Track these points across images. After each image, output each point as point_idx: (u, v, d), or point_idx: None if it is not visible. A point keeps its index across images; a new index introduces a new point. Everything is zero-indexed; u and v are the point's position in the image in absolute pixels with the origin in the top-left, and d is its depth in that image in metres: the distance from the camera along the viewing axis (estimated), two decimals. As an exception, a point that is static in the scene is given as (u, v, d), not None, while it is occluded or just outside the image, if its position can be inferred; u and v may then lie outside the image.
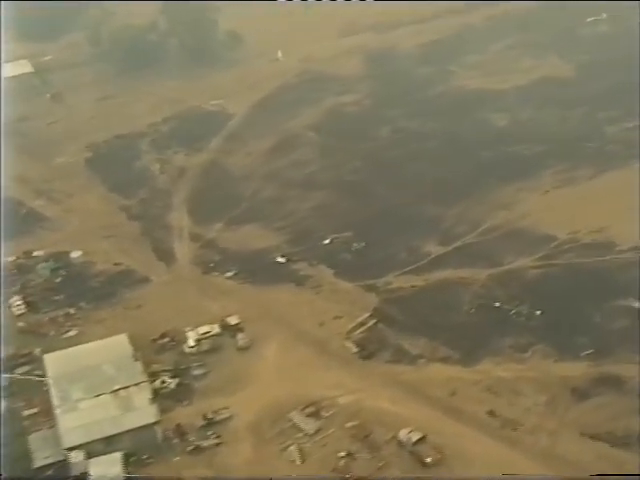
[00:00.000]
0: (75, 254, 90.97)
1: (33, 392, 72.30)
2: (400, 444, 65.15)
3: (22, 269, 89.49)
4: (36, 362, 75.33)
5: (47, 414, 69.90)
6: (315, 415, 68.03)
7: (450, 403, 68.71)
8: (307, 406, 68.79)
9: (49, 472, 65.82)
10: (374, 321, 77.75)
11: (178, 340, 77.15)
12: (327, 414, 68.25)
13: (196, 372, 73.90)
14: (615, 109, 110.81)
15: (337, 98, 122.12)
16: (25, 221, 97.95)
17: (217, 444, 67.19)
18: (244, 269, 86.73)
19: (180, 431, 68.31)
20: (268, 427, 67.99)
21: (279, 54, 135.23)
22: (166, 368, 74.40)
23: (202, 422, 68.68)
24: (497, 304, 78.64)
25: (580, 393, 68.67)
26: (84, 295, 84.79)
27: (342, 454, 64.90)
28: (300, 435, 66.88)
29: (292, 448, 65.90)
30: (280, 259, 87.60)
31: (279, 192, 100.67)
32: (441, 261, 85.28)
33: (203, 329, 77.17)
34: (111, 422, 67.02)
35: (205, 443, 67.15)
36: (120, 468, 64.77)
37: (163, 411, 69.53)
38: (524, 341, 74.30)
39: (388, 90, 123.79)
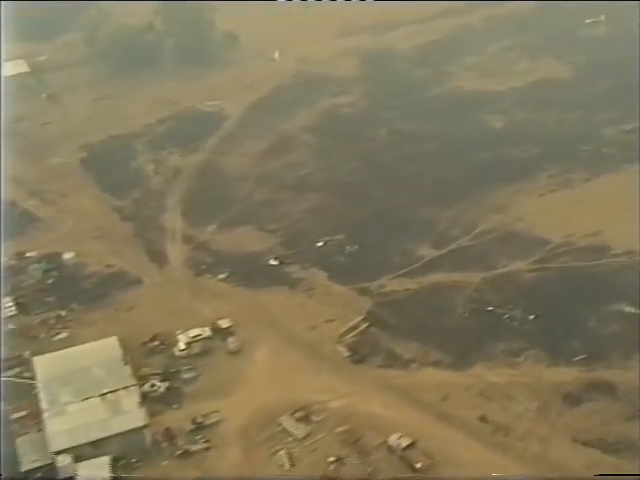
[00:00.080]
0: (67, 255, 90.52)
1: (22, 395, 71.67)
2: (390, 449, 64.54)
3: (14, 270, 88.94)
4: (26, 364, 74.80)
5: (36, 417, 69.31)
6: (305, 420, 67.43)
7: (442, 408, 68.07)
8: (297, 410, 68.18)
9: (37, 475, 65.21)
10: (366, 325, 77.21)
11: (169, 343, 76.60)
12: (317, 419, 67.67)
13: (186, 375, 73.29)
14: (612, 111, 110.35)
15: (333, 99, 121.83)
16: (18, 222, 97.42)
17: (206, 448, 66.53)
18: (237, 271, 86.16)
19: (169, 435, 67.74)
20: (258, 431, 67.37)
21: (276, 55, 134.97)
22: (156, 371, 73.79)
23: (191, 426, 68.03)
24: (490, 308, 78.04)
25: (572, 399, 68.06)
26: (76, 297, 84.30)
27: (331, 459, 64.30)
28: (290, 440, 66.27)
29: (281, 453, 65.32)
30: (273, 262, 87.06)
31: (273, 194, 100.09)
32: (435, 264, 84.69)
33: (194, 332, 76.60)
34: (99, 426, 66.51)
35: (194, 447, 66.53)
36: (108, 472, 64.21)
37: (152, 415, 69.04)
38: (517, 346, 73.68)
39: (384, 91, 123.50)
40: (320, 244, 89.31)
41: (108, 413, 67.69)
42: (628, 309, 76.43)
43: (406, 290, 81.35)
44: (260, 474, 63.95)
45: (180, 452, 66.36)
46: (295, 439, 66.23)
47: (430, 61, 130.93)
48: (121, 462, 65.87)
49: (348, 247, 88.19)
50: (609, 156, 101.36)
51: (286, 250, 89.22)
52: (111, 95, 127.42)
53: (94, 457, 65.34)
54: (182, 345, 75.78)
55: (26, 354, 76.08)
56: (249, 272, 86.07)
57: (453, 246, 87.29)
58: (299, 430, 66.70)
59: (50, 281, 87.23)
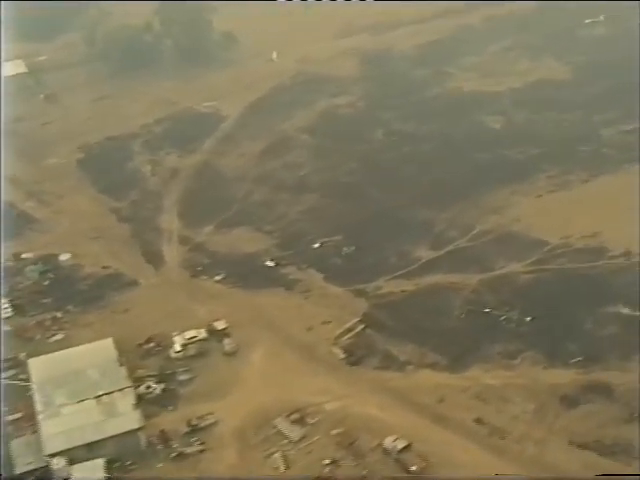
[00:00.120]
0: (64, 257, 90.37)
1: (17, 397, 71.52)
2: (385, 452, 64.36)
3: (10, 272, 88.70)
4: (21, 366, 74.60)
5: (31, 419, 69.17)
6: (300, 422, 67.23)
7: (437, 410, 67.86)
8: (292, 412, 68.01)
9: (31, 478, 65.13)
10: (363, 326, 76.93)
11: (164, 345, 76.46)
12: (313, 421, 67.48)
13: (182, 377, 73.16)
14: (611, 111, 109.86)
15: (332, 100, 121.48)
16: (15, 223, 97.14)
17: (201, 450, 66.43)
18: (233, 273, 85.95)
19: (164, 437, 67.57)
20: (253, 433, 67.22)
21: (274, 55, 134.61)
22: (152, 373, 73.70)
23: (186, 428, 67.84)
24: (487, 310, 77.72)
25: (569, 401, 67.80)
26: (72, 298, 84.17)
27: (327, 461, 64.10)
28: (285, 442, 66.10)
29: (276, 455, 65.15)
30: (269, 263, 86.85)
31: (271, 194, 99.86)
32: (432, 266, 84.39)
33: (190, 334, 76.46)
34: (94, 428, 66.34)
35: (189, 449, 66.41)
36: (103, 474, 64.08)
37: (148, 417, 68.89)
38: (513, 347, 73.41)
39: (384, 92, 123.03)
40: (317, 245, 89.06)
41: (103, 415, 67.51)
42: (625, 311, 76.09)
43: (403, 292, 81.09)
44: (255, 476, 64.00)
45: (175, 454, 66.21)
46: (290, 441, 66.04)
47: (429, 61, 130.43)
48: (116, 464, 65.76)
49: (345, 248, 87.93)
50: (608, 157, 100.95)
51: (283, 251, 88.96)
52: (109, 95, 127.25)
53: (89, 460, 65.18)
54: (178, 347, 75.63)
55: (22, 356, 75.98)
56: (245, 273, 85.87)
57: (450, 247, 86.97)
58: (294, 432, 66.47)
59: (46, 282, 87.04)
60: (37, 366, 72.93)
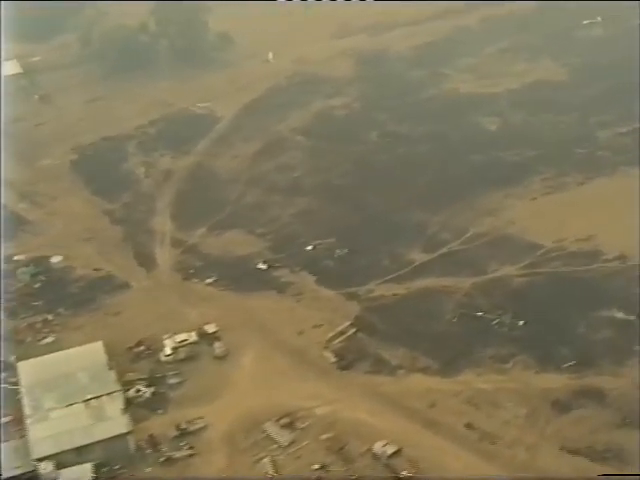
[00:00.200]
0: (55, 259, 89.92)
1: (7, 400, 71.01)
2: (375, 457, 63.86)
3: (2, 274, 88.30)
4: (11, 369, 74.14)
5: (19, 423, 68.63)
6: (290, 426, 66.69)
7: (428, 415, 67.28)
8: (282, 417, 67.44)
9: (20, 482, 65.18)
10: (354, 330, 76.43)
11: (155, 348, 75.88)
12: (302, 425, 66.94)
13: (172, 381, 72.60)
14: (608, 113, 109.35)
15: (327, 101, 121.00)
16: (7, 225, 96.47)
17: (190, 455, 65.88)
18: (225, 275, 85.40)
19: (153, 441, 67.09)
20: (242, 438, 66.63)
21: (270, 56, 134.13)
22: (142, 376, 73.14)
23: (176, 432, 67.39)
24: (480, 313, 77.16)
25: (561, 406, 67.20)
26: (63, 301, 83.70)
27: (316, 466, 63.62)
28: (274, 447, 65.59)
29: (266, 460, 64.65)
30: (261, 265, 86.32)
31: (264, 196, 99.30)
32: (425, 269, 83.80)
33: (180, 337, 75.89)
34: (82, 432, 65.80)
35: (178, 454, 65.84)
36: (90, 479, 63.79)
37: (137, 421, 68.46)
38: (505, 352, 72.78)
39: (379, 93, 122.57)
40: (309, 248, 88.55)
41: (91, 419, 66.98)
42: (619, 315, 75.57)
43: (395, 295, 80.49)
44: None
45: (164, 459, 65.69)
46: (280, 446, 65.51)
47: (426, 62, 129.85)
48: (104, 469, 65.20)
49: (338, 251, 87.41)
50: (604, 159, 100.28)
51: (275, 254, 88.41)
52: (104, 96, 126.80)
53: (77, 464, 64.63)
54: (168, 350, 75.04)
55: (11, 359, 75.65)
56: (237, 276, 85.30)
57: (443, 250, 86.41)
58: (283, 437, 65.98)
59: (37, 285, 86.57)
60: (26, 369, 72.37)
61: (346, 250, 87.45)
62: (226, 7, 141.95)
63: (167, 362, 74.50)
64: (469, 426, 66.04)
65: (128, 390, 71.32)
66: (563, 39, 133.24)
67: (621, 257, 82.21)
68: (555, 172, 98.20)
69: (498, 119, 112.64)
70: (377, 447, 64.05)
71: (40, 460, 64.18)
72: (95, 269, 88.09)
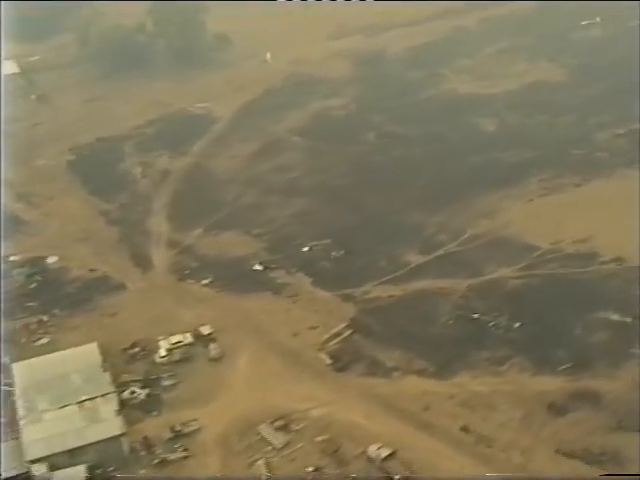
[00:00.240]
0: (51, 259, 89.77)
1: (2, 402, 70.78)
2: (369, 459, 63.62)
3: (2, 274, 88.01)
4: (5, 371, 73.84)
5: (14, 424, 68.38)
6: (284, 429, 66.40)
7: (423, 418, 66.92)
8: (277, 419, 67.17)
9: (14, 485, 64.93)
10: (350, 332, 76.19)
11: (150, 349, 75.72)
12: (297, 427, 66.64)
13: (166, 383, 72.36)
14: (606, 114, 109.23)
15: (324, 102, 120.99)
16: (4, 225, 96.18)
17: (184, 457, 65.60)
18: (220, 277, 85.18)
19: (147, 443, 66.82)
20: (237, 440, 66.33)
21: (268, 56, 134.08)
22: (136, 378, 72.92)
23: (170, 434, 67.08)
24: (476, 315, 76.91)
25: (556, 408, 66.84)
26: (58, 302, 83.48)
27: (310, 469, 63.35)
28: (268, 449, 65.33)
29: (260, 462, 64.41)
30: (258, 267, 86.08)
31: (261, 197, 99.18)
32: (421, 270, 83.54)
33: (175, 338, 75.76)
34: (76, 434, 65.53)
35: (172, 456, 65.58)
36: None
37: (132, 422, 68.20)
38: (501, 354, 72.43)
39: (376, 94, 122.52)
40: (306, 249, 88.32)
41: (85, 421, 66.73)
42: (615, 317, 75.30)
43: (391, 297, 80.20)
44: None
45: (158, 461, 65.42)
46: (274, 448, 65.28)
47: (423, 63, 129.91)
48: (98, 471, 64.92)
49: (334, 252, 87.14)
50: (602, 160, 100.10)
51: (271, 255, 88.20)
52: (102, 96, 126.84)
53: (70, 466, 64.39)
54: (163, 352, 74.88)
55: (6, 360, 75.38)
56: (233, 277, 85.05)
57: (440, 252, 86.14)
58: (278, 439, 65.70)
59: (33, 285, 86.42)
60: (21, 370, 72.16)
61: (342, 251, 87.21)
62: (224, 7, 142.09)
63: (162, 364, 74.29)
64: (464, 429, 65.73)
65: (123, 392, 71.12)
66: (562, 40, 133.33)
67: (618, 259, 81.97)
68: (552, 173, 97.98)
69: (496, 120, 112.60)
70: (371, 450, 63.76)
71: (33, 462, 63.99)
72: (91, 270, 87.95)
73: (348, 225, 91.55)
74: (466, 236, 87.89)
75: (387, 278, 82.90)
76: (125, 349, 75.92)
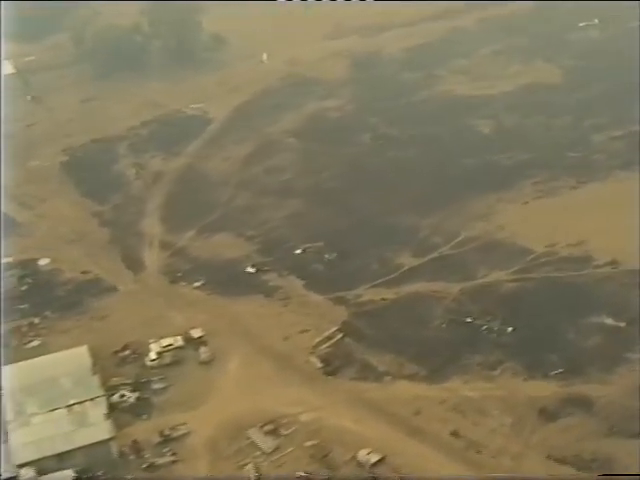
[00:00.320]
0: (43, 261, 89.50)
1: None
2: (359, 465, 63.24)
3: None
4: (-5, 373, 73.99)
5: (2, 428, 68.24)
6: (274, 433, 66.12)
7: (414, 423, 66.57)
8: (267, 423, 66.87)
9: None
10: (341, 335, 75.73)
11: (140, 352, 75.48)
12: (286, 432, 66.34)
13: (156, 386, 72.14)
14: (603, 116, 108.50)
15: (320, 103, 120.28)
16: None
17: (173, 461, 65.30)
18: (212, 279, 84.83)
19: (136, 447, 66.56)
20: (226, 444, 66.08)
21: (264, 57, 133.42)
22: (126, 381, 72.69)
23: (159, 438, 66.82)
24: (469, 319, 76.45)
25: (548, 414, 66.47)
26: (50, 304, 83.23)
27: (299, 474, 63.00)
28: (258, 454, 64.97)
29: (249, 467, 64.09)
30: (250, 269, 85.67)
31: (254, 199, 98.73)
32: (414, 273, 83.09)
33: (166, 342, 75.41)
34: (64, 438, 65.30)
35: (161, 460, 65.31)
36: (72, 485, 63.49)
37: (121, 426, 67.98)
38: (494, 358, 72.07)
39: (372, 95, 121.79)
40: (299, 251, 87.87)
41: (74, 425, 66.50)
42: (609, 321, 74.84)
43: (383, 300, 79.79)
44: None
45: (146, 465, 65.15)
46: (263, 453, 64.95)
47: (420, 64, 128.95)
48: (86, 475, 64.63)
49: (327, 255, 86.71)
50: (598, 163, 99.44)
51: (264, 257, 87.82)
52: (97, 97, 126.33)
53: (58, 470, 64.16)
54: (153, 355, 74.56)
55: (-4, 362, 75.29)
56: (225, 280, 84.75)
57: (434, 255, 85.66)
58: (267, 444, 65.34)
59: (24, 288, 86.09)
60: (10, 374, 71.68)
61: (335, 254, 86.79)
62: (220, 7, 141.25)
63: (152, 367, 73.97)
64: (454, 434, 65.32)
65: (112, 395, 70.88)
66: (559, 41, 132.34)
67: (613, 262, 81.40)
68: (548, 176, 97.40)
69: (491, 122, 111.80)
70: (361, 455, 63.47)
71: (21, 466, 63.66)
72: (83, 272, 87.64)
73: (341, 227, 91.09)
74: (460, 239, 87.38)
75: (380, 281, 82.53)
76: (116, 352, 75.63)
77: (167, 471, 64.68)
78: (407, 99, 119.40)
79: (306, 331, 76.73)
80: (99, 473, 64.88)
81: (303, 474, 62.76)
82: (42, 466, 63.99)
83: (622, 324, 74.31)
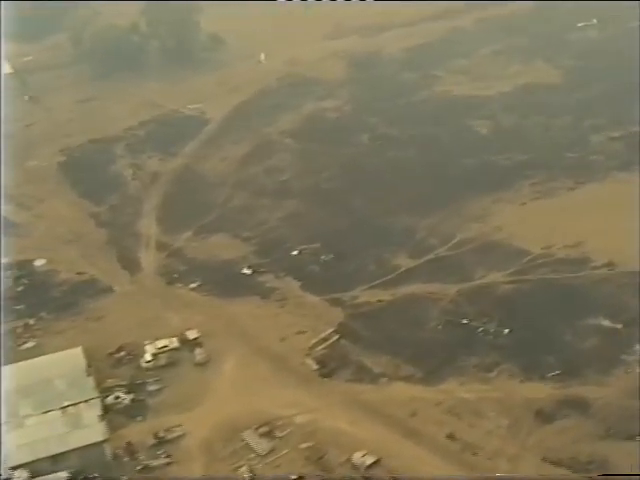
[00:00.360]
0: (39, 262, 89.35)
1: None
2: (354, 467, 62.94)
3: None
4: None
5: (-4, 429, 68.36)
6: (269, 435, 65.83)
7: (409, 424, 66.25)
8: (262, 425, 66.59)
9: (-7, 491, 64.42)
10: (337, 337, 75.42)
11: (136, 354, 75.23)
12: (281, 434, 66.04)
13: (151, 388, 71.91)
14: (601, 117, 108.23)
15: (318, 103, 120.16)
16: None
17: (167, 463, 65.00)
18: (209, 280, 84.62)
19: (130, 449, 66.31)
20: (221, 447, 65.83)
21: (262, 57, 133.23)
22: (121, 383, 72.45)
23: (153, 440, 66.54)
24: (465, 321, 76.14)
25: (544, 416, 66.19)
26: (45, 305, 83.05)
27: (294, 476, 62.63)
28: (252, 456, 64.67)
29: (243, 469, 63.81)
30: (246, 270, 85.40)
31: (251, 200, 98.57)
32: (411, 275, 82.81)
33: (161, 343, 75.17)
34: (58, 440, 65.08)
35: (155, 462, 65.01)
36: (65, 486, 63.27)
37: (115, 428, 67.78)
38: (490, 360, 71.77)
39: (371, 95, 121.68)
40: (295, 253, 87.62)
41: (68, 427, 66.26)
42: (606, 323, 74.49)
43: (380, 301, 79.50)
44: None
45: (140, 467, 64.88)
46: (258, 455, 64.67)
47: (419, 64, 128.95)
48: (80, 477, 64.32)
49: (323, 256, 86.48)
50: (596, 164, 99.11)
51: (260, 259, 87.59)
52: (95, 97, 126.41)
53: (52, 472, 63.90)
54: (149, 356, 74.30)
55: (-9, 363, 75.05)
56: (222, 281, 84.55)
57: (430, 256, 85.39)
58: (262, 446, 65.05)
59: (20, 289, 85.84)
60: (4, 375, 71.33)
61: (332, 255, 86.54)
62: (218, 7, 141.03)
63: (147, 368, 73.70)
64: (450, 436, 65.06)
65: (107, 397, 70.60)
66: (558, 41, 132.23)
67: (610, 264, 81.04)
68: (545, 177, 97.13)
69: (490, 122, 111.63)
70: (356, 457, 63.18)
71: (15, 468, 63.40)
72: (78, 273, 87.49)
73: (338, 228, 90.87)
74: (457, 240, 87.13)
75: (376, 282, 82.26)
76: (111, 353, 75.41)
77: (161, 473, 64.31)
78: (405, 99, 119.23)
79: (302, 332, 76.48)
80: (93, 475, 64.52)
81: (293, 478, 62.73)
82: (36, 468, 63.68)
83: (619, 326, 73.99)
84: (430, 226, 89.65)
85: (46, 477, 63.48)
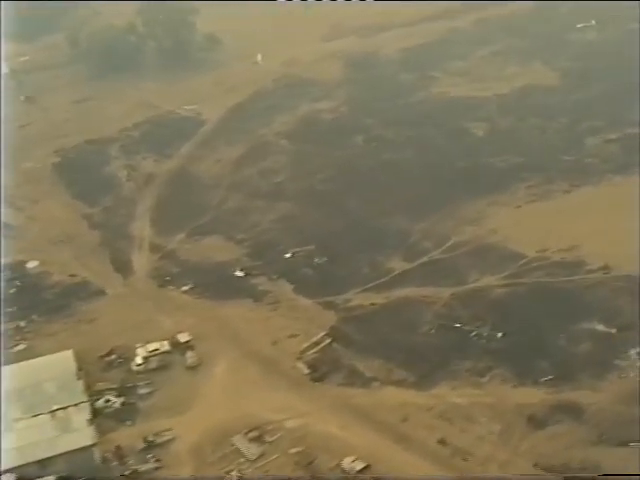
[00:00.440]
0: (31, 264, 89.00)
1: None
2: (344, 472, 62.36)
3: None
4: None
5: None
6: (258, 440, 65.26)
7: (400, 430, 65.61)
8: (252, 430, 66.07)
9: (-19, 495, 64.07)
10: (329, 340, 74.93)
11: (127, 357, 74.82)
12: (271, 439, 65.50)
13: (142, 391, 71.47)
14: (598, 119, 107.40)
15: (314, 104, 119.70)
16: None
17: (156, 468, 64.61)
18: (201, 283, 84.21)
19: (119, 453, 65.81)
20: (210, 451, 65.28)
21: (258, 57, 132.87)
22: (112, 386, 72.00)
23: (143, 444, 66.19)
24: (458, 325, 75.55)
25: (536, 421, 65.45)
26: (37, 307, 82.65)
27: (282, 481, 62.83)
28: (242, 460, 64.25)
29: (233, 474, 63.40)
30: (239, 273, 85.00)
31: (245, 202, 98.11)
32: (404, 278, 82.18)
33: (152, 346, 74.80)
34: (47, 444, 64.60)
35: (144, 467, 64.61)
36: (53, 491, 62.85)
37: (105, 432, 67.30)
38: (483, 365, 71.07)
39: (367, 96, 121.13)
40: (288, 255, 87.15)
41: (57, 431, 65.85)
42: (600, 327, 73.89)
43: (372, 305, 78.92)
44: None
45: (129, 471, 64.49)
46: (247, 460, 64.32)
47: (416, 65, 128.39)
48: (68, 481, 64.56)
49: (317, 259, 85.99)
50: (592, 167, 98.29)
51: (254, 261, 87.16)
52: (90, 97, 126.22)
53: (40, 477, 63.45)
54: (139, 359, 73.94)
55: (-18, 366, 74.65)
56: (214, 283, 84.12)
57: (424, 259, 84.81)
58: (251, 450, 64.55)
59: (12, 291, 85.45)
60: (-3, 377, 71.54)
61: (325, 258, 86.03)
62: (214, 7, 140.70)
63: (138, 372, 73.33)
64: (441, 442, 64.42)
65: (97, 400, 70.20)
66: (556, 42, 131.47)
67: (605, 268, 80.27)
68: (541, 179, 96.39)
69: (486, 124, 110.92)
70: (346, 462, 62.67)
71: (3, 472, 63.03)
72: (71, 275, 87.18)
73: (332, 231, 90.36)
74: (451, 243, 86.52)
75: (370, 285, 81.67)
76: (102, 356, 74.98)
77: (150, 477, 63.76)
78: (402, 101, 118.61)
79: (295, 336, 75.96)
80: (80, 479, 64.53)
81: (282, 481, 62.57)
82: (23, 472, 63.28)
83: (613, 330, 73.21)
84: (425, 229, 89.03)
85: (34, 481, 63.39)
